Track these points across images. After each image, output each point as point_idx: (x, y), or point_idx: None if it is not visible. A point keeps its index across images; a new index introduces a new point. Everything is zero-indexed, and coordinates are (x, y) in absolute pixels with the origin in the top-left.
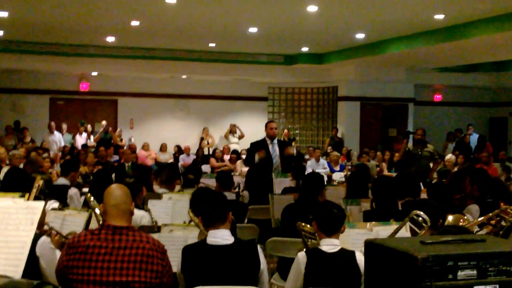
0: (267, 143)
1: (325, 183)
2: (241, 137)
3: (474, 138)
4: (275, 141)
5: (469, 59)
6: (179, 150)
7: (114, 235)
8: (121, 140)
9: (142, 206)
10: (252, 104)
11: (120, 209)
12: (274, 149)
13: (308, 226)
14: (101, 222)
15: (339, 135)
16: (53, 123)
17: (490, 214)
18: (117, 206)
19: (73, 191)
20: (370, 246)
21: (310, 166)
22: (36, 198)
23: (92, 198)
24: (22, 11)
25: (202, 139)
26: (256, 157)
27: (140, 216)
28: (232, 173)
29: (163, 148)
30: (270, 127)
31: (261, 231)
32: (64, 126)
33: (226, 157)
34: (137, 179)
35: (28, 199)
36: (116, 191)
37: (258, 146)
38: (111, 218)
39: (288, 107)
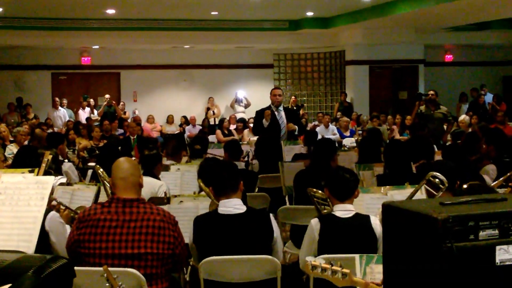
0: (273, 110)
1: (336, 148)
2: (247, 106)
3: (489, 98)
4: (281, 107)
5: (481, 17)
6: (185, 121)
7: (125, 208)
8: (125, 113)
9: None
10: (258, 72)
11: (129, 181)
12: (281, 116)
13: (320, 192)
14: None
15: (348, 100)
16: (57, 99)
17: (508, 174)
18: (125, 179)
19: (66, 165)
20: (388, 210)
21: (320, 133)
22: (46, 173)
23: (101, 170)
24: None
25: (208, 109)
26: (264, 122)
27: (158, 185)
28: (240, 142)
29: (169, 120)
30: (274, 93)
31: (272, 199)
32: (65, 101)
33: (233, 126)
34: (157, 150)
35: (37, 174)
36: (124, 164)
37: (263, 113)
38: (120, 191)
39: (295, 74)
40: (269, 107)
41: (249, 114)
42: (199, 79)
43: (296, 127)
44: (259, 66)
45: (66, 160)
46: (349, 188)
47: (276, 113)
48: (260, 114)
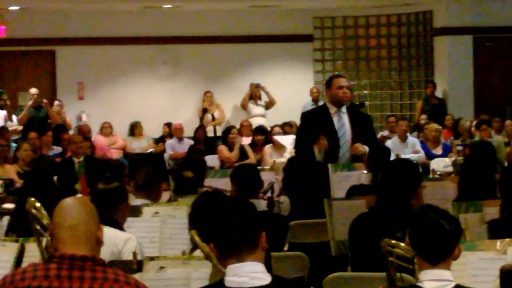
0: (330, 114)
1: (421, 176)
2: (269, 104)
3: None
4: (344, 109)
5: None
6: (167, 133)
7: (72, 271)
8: (63, 119)
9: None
10: (287, 48)
11: (80, 232)
12: (342, 123)
13: (402, 244)
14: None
15: (438, 94)
16: None
17: None
18: (73, 228)
19: None
20: (509, 277)
21: (393, 149)
22: None
23: (36, 208)
24: None
25: (204, 111)
26: (316, 152)
27: (123, 240)
28: (259, 167)
29: (137, 130)
30: (338, 85)
31: (314, 262)
32: None
33: (246, 140)
34: (121, 181)
35: None
36: (73, 207)
37: (314, 118)
38: (66, 245)
39: (349, 51)
40: (324, 107)
41: (272, 118)
42: (189, 62)
43: (367, 148)
44: (289, 39)
45: None
46: (445, 244)
47: (335, 117)
48: (310, 118)
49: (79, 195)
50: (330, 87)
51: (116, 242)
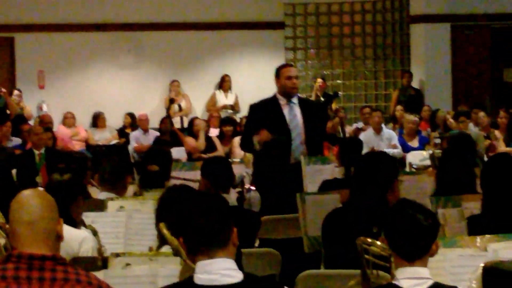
0: (280, 105)
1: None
2: (236, 108)
3: None
4: (295, 100)
5: None
6: (131, 123)
7: (31, 271)
8: (22, 109)
9: (82, 222)
10: (257, 35)
11: (39, 228)
12: (294, 115)
13: (379, 243)
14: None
15: (414, 84)
16: None
17: None
18: (33, 224)
19: None
20: (491, 275)
21: (367, 142)
22: None
23: None
24: None
25: (170, 101)
26: (255, 142)
27: (79, 239)
28: (230, 160)
29: (100, 121)
30: (287, 75)
31: (286, 259)
32: None
33: (215, 131)
34: (76, 174)
35: None
36: (32, 201)
37: (263, 111)
38: (24, 243)
39: (322, 39)
40: (273, 99)
41: (241, 108)
42: (154, 50)
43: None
44: (260, 26)
45: None
46: (423, 239)
47: (285, 109)
48: (257, 111)
49: (40, 189)
50: (279, 77)
51: (71, 243)
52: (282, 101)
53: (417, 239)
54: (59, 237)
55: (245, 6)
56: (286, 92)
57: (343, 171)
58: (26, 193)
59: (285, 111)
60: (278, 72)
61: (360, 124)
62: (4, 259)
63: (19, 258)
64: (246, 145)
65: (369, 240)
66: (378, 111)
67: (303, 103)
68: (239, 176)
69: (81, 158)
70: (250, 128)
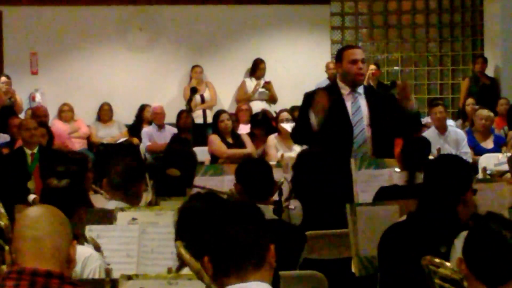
0: (342, 95)
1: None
2: (271, 99)
3: None
4: (360, 89)
5: None
6: (139, 117)
7: (34, 287)
8: (11, 99)
9: (84, 236)
10: (297, 11)
11: (44, 246)
12: (358, 107)
13: (448, 264)
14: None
15: (488, 72)
16: None
17: None
18: (38, 240)
19: None
20: None
21: (433, 142)
22: None
23: None
24: None
25: (192, 90)
26: (313, 118)
27: (83, 257)
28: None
29: (105, 114)
30: (352, 58)
31: (333, 283)
32: None
33: (245, 127)
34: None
35: None
36: (39, 217)
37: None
38: (27, 259)
39: (376, 16)
40: (333, 86)
41: (279, 101)
42: (171, 28)
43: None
44: (302, 0)
45: None
46: (508, 261)
47: (348, 99)
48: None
49: (32, 196)
50: (341, 61)
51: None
52: (345, 90)
53: (503, 261)
54: (69, 261)
55: None
56: (350, 79)
57: (406, 177)
58: (35, 209)
59: (348, 102)
60: (340, 55)
61: (428, 119)
62: (4, 276)
63: (20, 274)
64: (298, 136)
65: (437, 260)
66: (439, 106)
67: (370, 93)
68: (278, 182)
69: (81, 159)
70: (304, 119)
